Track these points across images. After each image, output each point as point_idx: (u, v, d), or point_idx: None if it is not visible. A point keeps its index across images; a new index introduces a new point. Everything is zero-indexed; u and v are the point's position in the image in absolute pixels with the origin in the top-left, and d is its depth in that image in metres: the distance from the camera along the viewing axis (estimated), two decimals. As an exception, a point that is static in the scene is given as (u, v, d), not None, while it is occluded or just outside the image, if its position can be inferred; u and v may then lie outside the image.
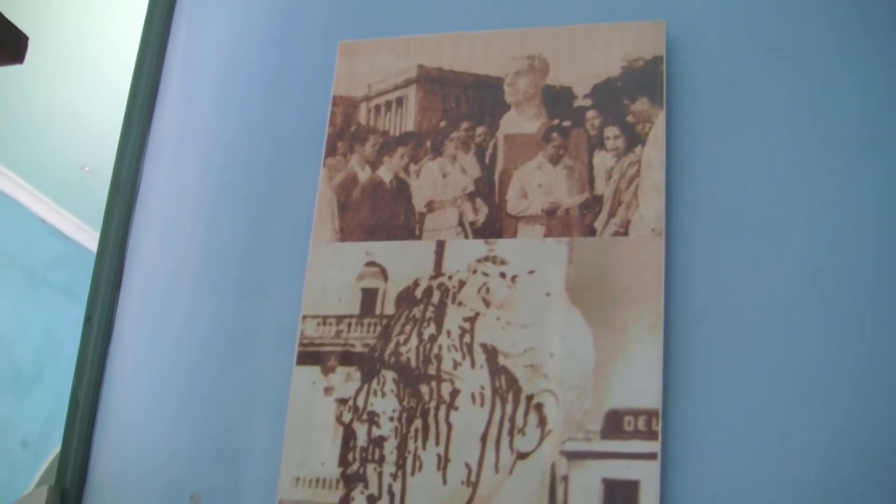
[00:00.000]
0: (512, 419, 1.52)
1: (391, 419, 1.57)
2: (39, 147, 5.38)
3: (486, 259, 1.62)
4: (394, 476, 1.55)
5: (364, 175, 1.75)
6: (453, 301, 1.61)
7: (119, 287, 1.92)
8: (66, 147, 5.34)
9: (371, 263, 1.68)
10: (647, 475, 1.44)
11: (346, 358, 1.63)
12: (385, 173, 1.74)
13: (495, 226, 1.65)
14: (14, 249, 5.65)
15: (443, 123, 1.75)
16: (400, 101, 1.79)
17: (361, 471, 1.57)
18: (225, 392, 1.74)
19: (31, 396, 5.70)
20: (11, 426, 5.54)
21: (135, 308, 1.89)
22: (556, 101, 1.70)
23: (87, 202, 5.63)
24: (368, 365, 1.62)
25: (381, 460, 1.56)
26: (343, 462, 1.58)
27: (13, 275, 5.63)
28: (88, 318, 1.91)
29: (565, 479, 1.47)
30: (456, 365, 1.57)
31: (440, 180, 1.71)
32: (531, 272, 1.60)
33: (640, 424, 1.47)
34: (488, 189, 1.67)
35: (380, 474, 1.55)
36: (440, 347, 1.59)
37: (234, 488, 1.67)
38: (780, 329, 1.50)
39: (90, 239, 5.86)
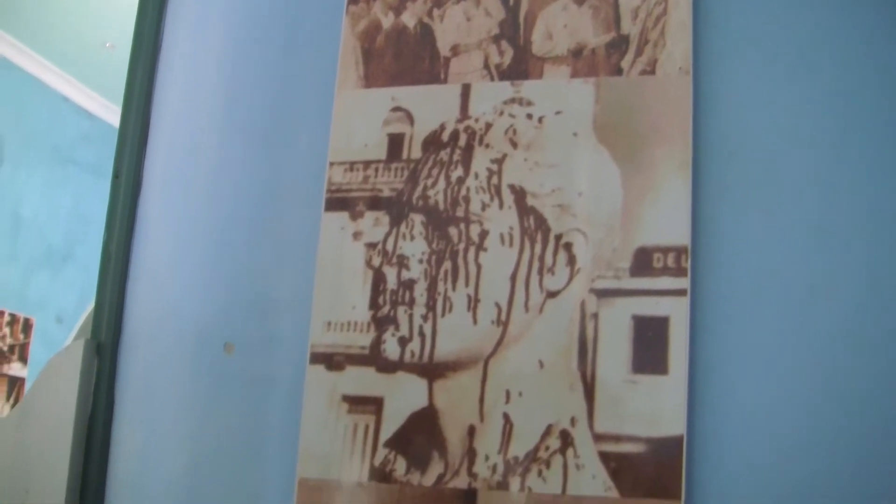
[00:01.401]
0: (541, 258, 1.53)
1: (420, 262, 1.58)
2: (61, 25, 5.33)
3: (513, 101, 1.61)
4: (424, 317, 1.56)
5: (387, 21, 1.73)
6: (480, 143, 1.60)
7: (146, 142, 1.91)
8: (89, 24, 5.29)
9: (397, 109, 1.67)
10: (676, 311, 1.45)
11: (374, 203, 1.63)
12: (408, 19, 1.72)
13: (521, 67, 1.63)
14: (39, 128, 5.66)
15: (466, -34, 1.71)
16: (422, -55, 1.75)
17: (392, 313, 1.58)
18: (254, 241, 1.75)
19: (64, 273, 5.77)
20: (46, 302, 5.63)
21: (162, 163, 1.89)
22: (582, -60, 1.66)
23: (110, 79, 5.57)
24: (396, 209, 1.62)
25: (412, 302, 1.57)
26: (374, 305, 1.59)
27: (40, 154, 5.65)
28: (116, 176, 1.91)
29: (595, 316, 1.48)
30: (484, 206, 1.57)
31: (464, 24, 1.68)
32: (558, 113, 1.58)
33: (670, 261, 1.47)
34: (513, 31, 1.65)
35: (410, 316, 1.57)
36: (468, 189, 1.59)
37: (266, 335, 1.69)
38: (809, 168, 1.49)
39: (114, 116, 5.83)
